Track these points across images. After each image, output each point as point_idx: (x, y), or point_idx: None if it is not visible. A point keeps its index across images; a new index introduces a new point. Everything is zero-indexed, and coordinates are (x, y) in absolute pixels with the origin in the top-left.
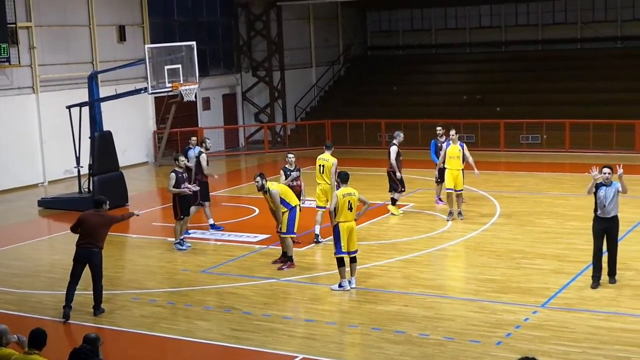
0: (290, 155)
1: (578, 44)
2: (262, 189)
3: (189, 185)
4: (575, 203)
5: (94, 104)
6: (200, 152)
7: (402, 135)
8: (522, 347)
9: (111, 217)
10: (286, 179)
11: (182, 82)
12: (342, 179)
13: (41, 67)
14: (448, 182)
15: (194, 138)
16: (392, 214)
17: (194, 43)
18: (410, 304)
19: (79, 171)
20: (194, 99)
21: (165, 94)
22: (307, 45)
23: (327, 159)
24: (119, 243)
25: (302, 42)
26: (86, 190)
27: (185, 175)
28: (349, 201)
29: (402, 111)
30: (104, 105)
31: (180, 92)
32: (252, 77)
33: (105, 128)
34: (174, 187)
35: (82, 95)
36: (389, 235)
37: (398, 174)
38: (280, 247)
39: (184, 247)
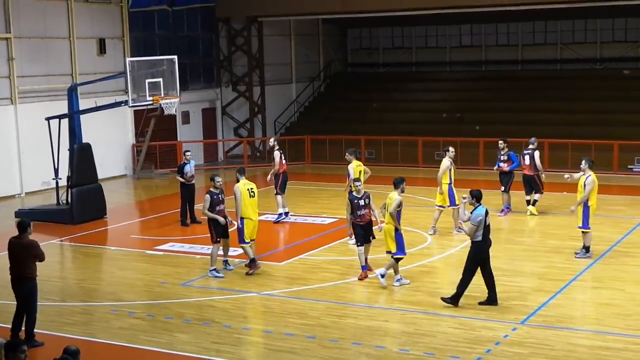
0: (357, 183)
1: (557, 65)
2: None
3: (220, 218)
4: (553, 222)
5: (73, 116)
6: (274, 147)
7: (536, 141)
8: None
9: (30, 243)
10: (352, 212)
11: (162, 95)
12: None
13: (20, 78)
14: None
15: (189, 152)
16: (533, 214)
17: (175, 57)
18: (391, 320)
19: (57, 183)
20: (174, 113)
21: (146, 107)
22: (287, 61)
23: None
24: (97, 255)
25: (283, 57)
26: (64, 202)
27: (221, 196)
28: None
29: (381, 128)
30: (82, 118)
31: (161, 105)
32: (232, 92)
33: (84, 140)
34: (208, 210)
35: (61, 107)
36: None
37: (543, 175)
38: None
39: (220, 275)
